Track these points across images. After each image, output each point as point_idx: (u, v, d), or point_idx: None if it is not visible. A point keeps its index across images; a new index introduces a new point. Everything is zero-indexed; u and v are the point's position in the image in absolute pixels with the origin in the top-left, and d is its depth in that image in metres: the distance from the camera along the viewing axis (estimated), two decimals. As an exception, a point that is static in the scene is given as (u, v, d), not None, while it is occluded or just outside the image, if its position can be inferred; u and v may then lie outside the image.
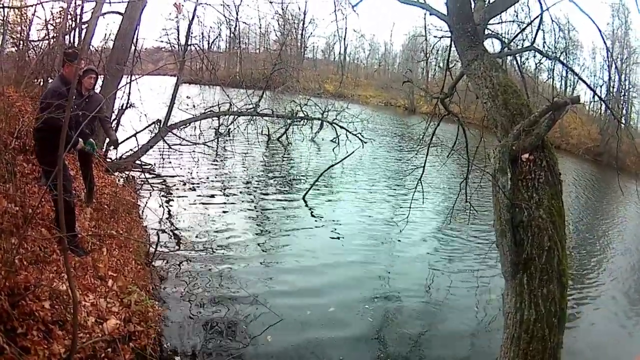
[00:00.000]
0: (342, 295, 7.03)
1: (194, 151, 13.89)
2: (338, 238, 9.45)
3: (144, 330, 4.51)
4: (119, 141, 7.62)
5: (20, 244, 3.94)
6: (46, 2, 8.95)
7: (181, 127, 13.74)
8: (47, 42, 10.73)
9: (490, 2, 6.07)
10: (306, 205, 11.44)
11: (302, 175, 14.79)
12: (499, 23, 8.58)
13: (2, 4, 9.48)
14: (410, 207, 9.02)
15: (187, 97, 15.60)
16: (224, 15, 24.28)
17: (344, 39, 57.80)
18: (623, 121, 24.99)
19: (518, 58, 6.94)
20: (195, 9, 14.10)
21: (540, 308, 3.77)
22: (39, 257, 4.53)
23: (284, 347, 5.49)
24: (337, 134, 18.79)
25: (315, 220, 10.50)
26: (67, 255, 3.53)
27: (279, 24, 51.31)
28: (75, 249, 5.26)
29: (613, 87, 27.39)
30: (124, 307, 4.62)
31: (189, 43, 14.53)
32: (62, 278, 4.28)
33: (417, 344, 6.11)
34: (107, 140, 7.28)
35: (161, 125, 12.86)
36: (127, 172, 10.98)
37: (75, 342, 3.42)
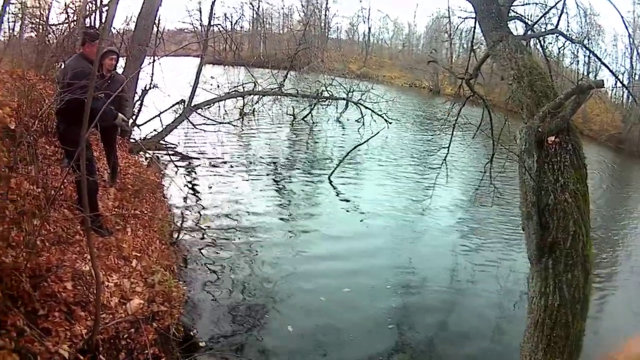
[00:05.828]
0: (363, 275, 7.01)
1: (219, 131, 13.87)
2: (362, 219, 9.36)
3: (168, 310, 4.48)
4: (131, 131, 7.57)
5: (42, 225, 3.92)
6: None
7: (205, 107, 13.71)
8: (67, 25, 10.69)
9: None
10: (331, 185, 11.36)
11: (327, 155, 14.68)
12: (522, 5, 8.33)
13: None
14: (434, 188, 8.88)
15: (211, 77, 15.54)
16: (247, -5, 24.10)
17: (368, 19, 57.21)
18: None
19: (541, 41, 6.75)
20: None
21: (565, 293, 3.75)
22: (61, 238, 4.53)
23: (304, 333, 5.47)
24: (362, 114, 18.55)
25: (340, 201, 10.44)
26: (90, 236, 3.49)
27: (302, 4, 51.00)
28: (99, 229, 5.25)
29: (635, 75, 26.56)
30: (147, 287, 4.60)
31: (212, 23, 14.40)
32: (85, 259, 4.28)
33: (440, 327, 6.05)
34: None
35: (185, 105, 12.86)
36: (151, 152, 11.01)
37: (98, 322, 3.41)
